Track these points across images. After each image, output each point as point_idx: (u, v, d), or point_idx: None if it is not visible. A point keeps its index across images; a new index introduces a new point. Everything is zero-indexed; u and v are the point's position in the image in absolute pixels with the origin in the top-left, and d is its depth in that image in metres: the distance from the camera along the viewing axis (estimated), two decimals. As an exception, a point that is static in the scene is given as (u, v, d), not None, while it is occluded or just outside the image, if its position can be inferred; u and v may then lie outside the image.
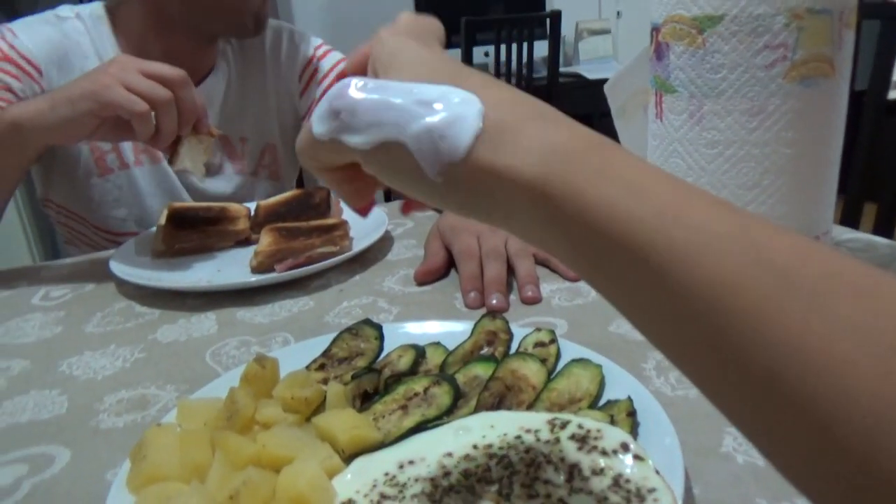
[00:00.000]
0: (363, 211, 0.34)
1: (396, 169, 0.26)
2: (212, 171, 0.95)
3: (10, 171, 0.70)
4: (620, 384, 0.41)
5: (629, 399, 0.38)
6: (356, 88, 0.26)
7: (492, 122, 0.24)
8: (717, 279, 0.19)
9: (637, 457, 0.33)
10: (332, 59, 1.02)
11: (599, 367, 0.42)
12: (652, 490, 0.32)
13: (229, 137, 0.95)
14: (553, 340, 0.46)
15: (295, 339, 0.55)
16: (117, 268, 0.68)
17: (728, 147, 0.48)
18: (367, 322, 0.50)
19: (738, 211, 0.21)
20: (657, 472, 0.32)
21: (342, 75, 0.30)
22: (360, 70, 0.31)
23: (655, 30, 0.50)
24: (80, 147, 0.87)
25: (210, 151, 0.72)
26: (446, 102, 0.25)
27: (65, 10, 0.87)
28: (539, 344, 0.46)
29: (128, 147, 0.89)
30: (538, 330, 0.47)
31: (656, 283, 0.20)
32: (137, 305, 0.64)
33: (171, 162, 0.71)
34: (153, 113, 0.64)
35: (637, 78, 0.59)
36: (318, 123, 0.27)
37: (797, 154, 0.47)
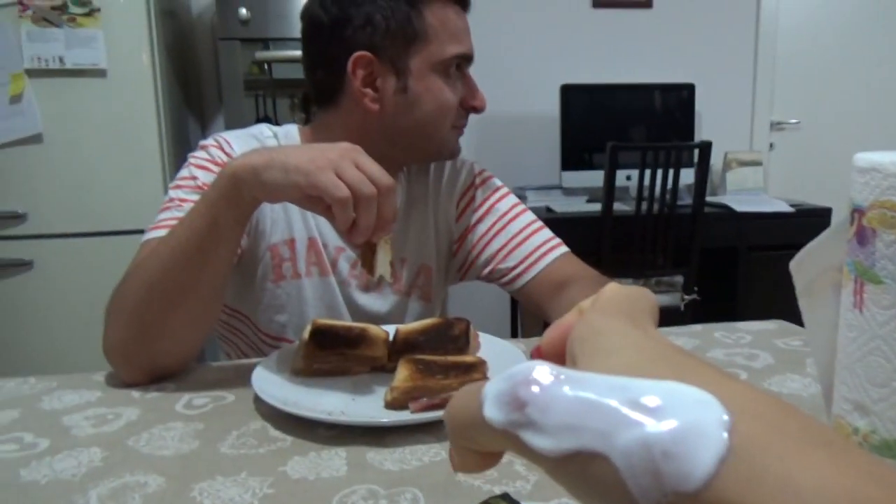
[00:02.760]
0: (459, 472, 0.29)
1: (592, 486, 0.19)
2: (371, 287, 0.98)
3: (231, 225, 0.74)
4: None
5: None
6: (550, 379, 0.20)
7: (744, 440, 0.17)
8: None
9: None
10: (489, 188, 1.04)
11: None
12: None
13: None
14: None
15: (424, 497, 0.52)
16: (258, 385, 0.69)
17: (948, 355, 0.41)
18: (506, 498, 0.46)
19: None
20: None
21: (536, 353, 0.26)
22: (558, 348, 0.26)
23: (858, 211, 0.45)
24: (263, 253, 0.92)
25: (391, 253, 0.74)
26: (673, 405, 0.18)
27: (265, 131, 0.96)
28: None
29: (302, 259, 0.94)
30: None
31: None
32: (271, 428, 0.64)
33: (370, 272, 0.73)
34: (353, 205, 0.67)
35: (827, 255, 0.53)
36: (494, 408, 0.21)
37: None
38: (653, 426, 0.18)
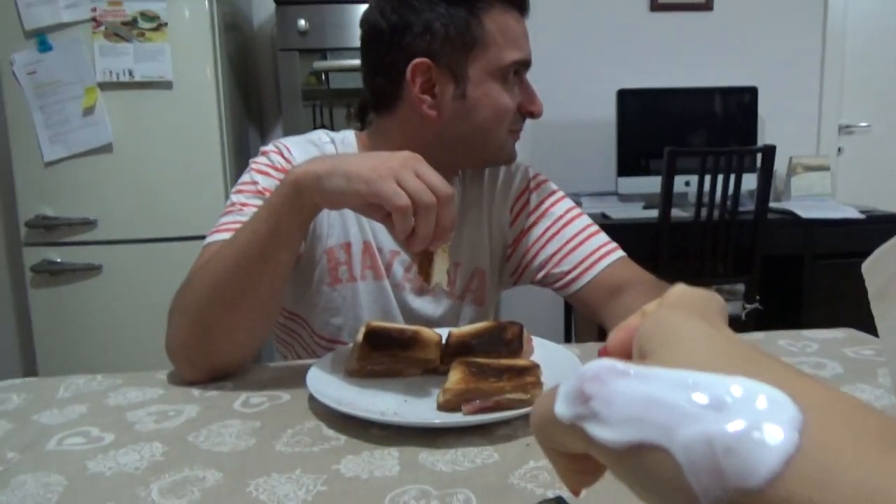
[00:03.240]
0: (576, 492, 0.29)
1: (653, 481, 0.19)
2: (425, 290, 0.98)
3: (293, 230, 0.75)
4: None
5: None
6: (617, 373, 0.20)
7: (815, 440, 0.17)
8: None
9: None
10: (544, 191, 1.03)
11: None
12: None
13: None
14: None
15: (476, 499, 0.51)
16: (313, 385, 0.70)
17: None
18: (559, 501, 0.45)
19: None
20: None
21: (602, 353, 0.25)
22: (624, 349, 0.26)
23: (936, 211, 0.43)
24: (321, 256, 0.94)
25: (448, 261, 0.74)
26: (742, 401, 0.18)
27: (322, 137, 0.98)
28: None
29: (358, 262, 0.95)
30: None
31: None
32: (325, 427, 0.65)
33: (426, 280, 0.73)
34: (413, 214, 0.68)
35: (902, 257, 0.51)
36: (562, 403, 0.22)
37: None
38: (716, 422, 0.17)
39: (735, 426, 0.17)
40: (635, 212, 2.61)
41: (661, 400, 0.19)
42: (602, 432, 0.20)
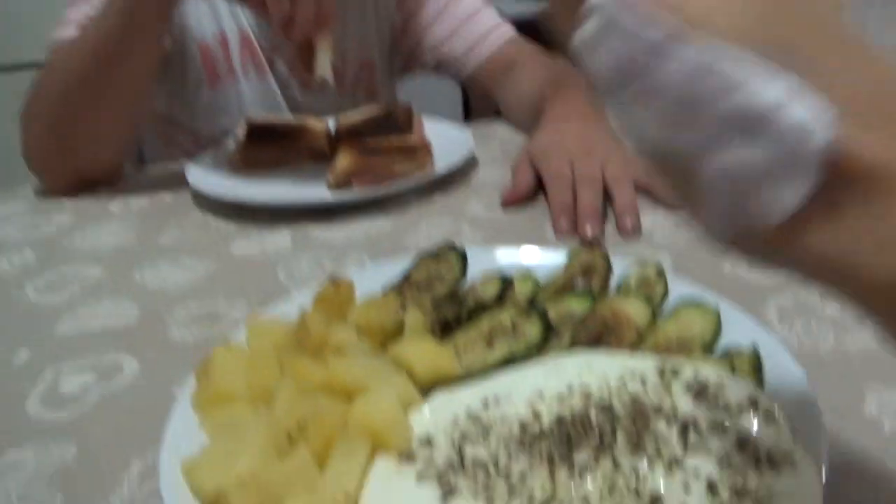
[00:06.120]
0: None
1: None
2: (313, 85, 0.92)
3: (151, 19, 0.67)
4: (740, 331, 0.35)
5: (755, 347, 0.33)
6: (675, 39, 0.17)
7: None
8: None
9: (768, 415, 0.28)
10: None
11: (715, 309, 0.36)
12: (787, 456, 0.26)
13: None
14: (661, 275, 0.40)
15: (371, 261, 0.51)
16: (194, 179, 0.66)
17: None
18: (450, 245, 0.46)
19: None
20: (793, 437, 0.27)
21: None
22: None
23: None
24: (193, 54, 0.85)
25: (332, 52, 0.69)
26: (782, 130, 0.16)
27: None
28: (644, 282, 0.40)
29: (237, 57, 0.86)
30: (643, 265, 0.41)
31: None
32: (212, 219, 0.62)
33: (311, 71, 0.68)
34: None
35: None
36: (609, 61, 0.18)
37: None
38: (752, 144, 0.17)
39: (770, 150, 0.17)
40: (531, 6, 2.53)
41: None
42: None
